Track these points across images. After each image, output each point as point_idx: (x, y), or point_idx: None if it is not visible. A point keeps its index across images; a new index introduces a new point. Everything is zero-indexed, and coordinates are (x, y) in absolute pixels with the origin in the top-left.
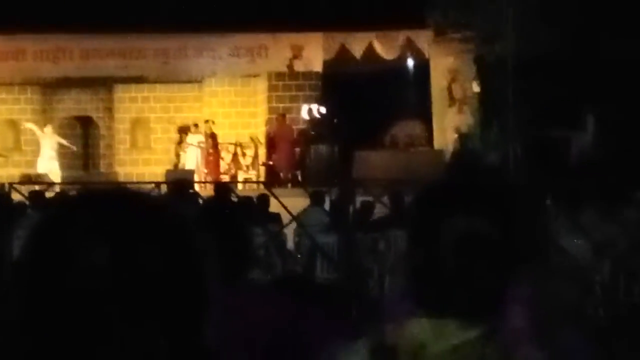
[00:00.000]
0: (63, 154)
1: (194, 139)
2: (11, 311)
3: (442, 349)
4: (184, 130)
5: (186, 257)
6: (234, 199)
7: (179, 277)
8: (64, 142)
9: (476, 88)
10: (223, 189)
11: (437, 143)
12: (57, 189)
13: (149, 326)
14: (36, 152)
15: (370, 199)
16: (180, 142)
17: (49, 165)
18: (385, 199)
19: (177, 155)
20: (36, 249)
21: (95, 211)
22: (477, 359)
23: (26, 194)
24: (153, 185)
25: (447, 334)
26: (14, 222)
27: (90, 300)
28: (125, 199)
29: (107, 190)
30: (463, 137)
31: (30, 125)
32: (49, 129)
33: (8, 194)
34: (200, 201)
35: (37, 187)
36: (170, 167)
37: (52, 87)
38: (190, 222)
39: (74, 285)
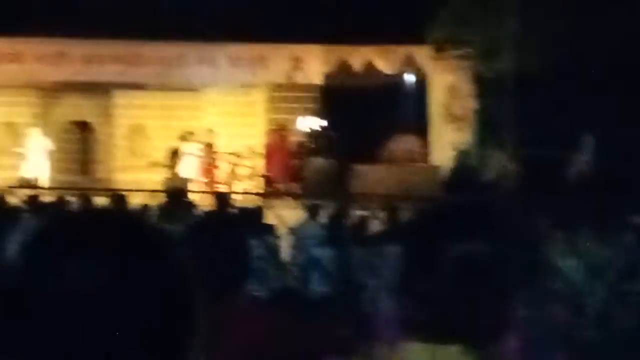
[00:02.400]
0: (62, 158)
1: (191, 147)
2: None
3: None
4: (181, 139)
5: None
6: (232, 209)
7: (164, 300)
8: (50, 145)
9: (475, 105)
10: (221, 200)
11: (435, 159)
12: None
13: (135, 350)
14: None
15: (366, 213)
16: (176, 151)
17: (36, 169)
18: (382, 213)
19: (173, 164)
20: (22, 262)
21: (81, 231)
22: None
23: (23, 198)
24: (149, 192)
25: None
26: (9, 225)
27: (72, 319)
28: (112, 220)
29: (97, 210)
30: (460, 154)
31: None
32: (36, 131)
33: (3, 197)
34: (198, 212)
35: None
36: (167, 175)
37: (51, 91)
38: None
39: (57, 303)
